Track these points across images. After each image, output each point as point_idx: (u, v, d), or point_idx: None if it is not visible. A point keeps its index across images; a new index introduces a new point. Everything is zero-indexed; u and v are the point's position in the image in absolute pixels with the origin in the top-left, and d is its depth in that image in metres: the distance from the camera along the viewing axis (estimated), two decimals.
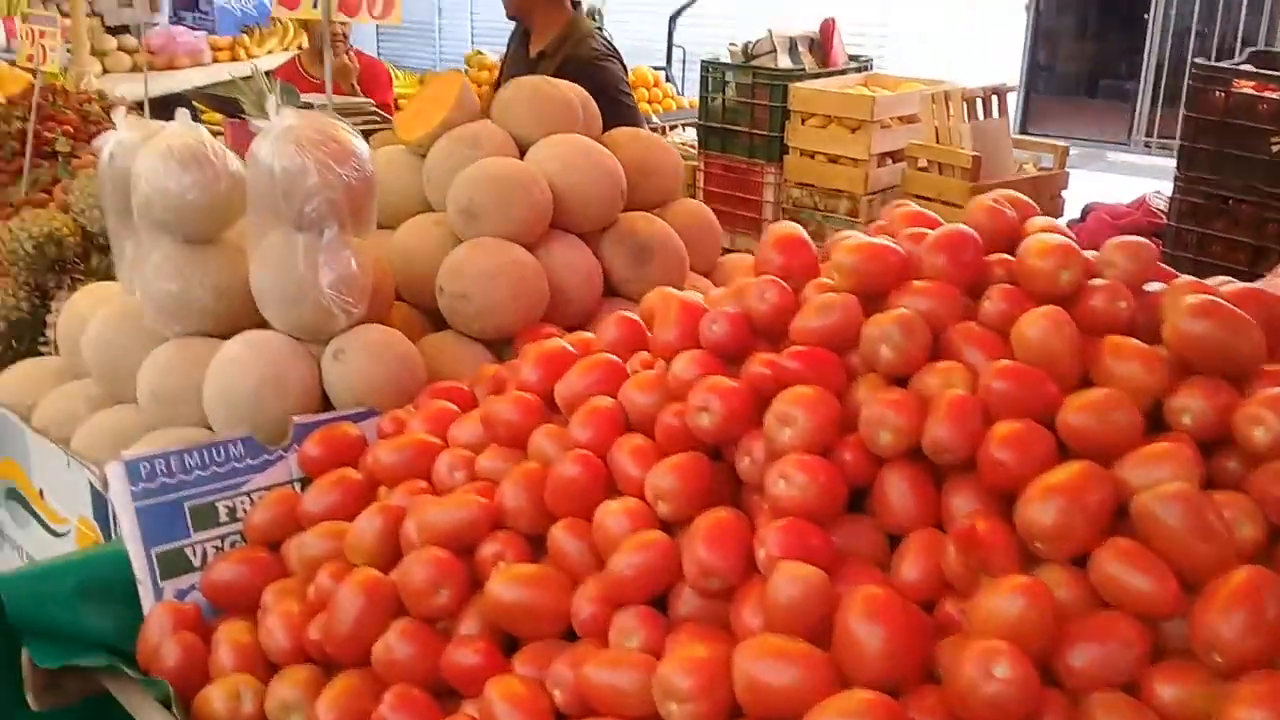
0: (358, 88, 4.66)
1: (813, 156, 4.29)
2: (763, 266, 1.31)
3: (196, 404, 1.65)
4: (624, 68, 3.76)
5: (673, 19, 6.10)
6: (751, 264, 2.22)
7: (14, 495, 1.95)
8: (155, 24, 9.14)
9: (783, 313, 1.23)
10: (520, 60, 3.87)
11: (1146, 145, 9.22)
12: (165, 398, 1.66)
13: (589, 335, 1.50)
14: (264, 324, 1.76)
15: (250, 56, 6.43)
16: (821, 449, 1.08)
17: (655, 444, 1.22)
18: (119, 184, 1.81)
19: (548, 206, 1.86)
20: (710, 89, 4.52)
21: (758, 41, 4.35)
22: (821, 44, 4.48)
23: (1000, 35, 9.92)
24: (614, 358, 1.34)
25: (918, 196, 4.10)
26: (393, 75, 5.39)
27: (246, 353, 1.58)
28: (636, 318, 1.44)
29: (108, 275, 2.28)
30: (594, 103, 2.13)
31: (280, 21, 6.58)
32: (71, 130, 3.04)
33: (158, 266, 1.71)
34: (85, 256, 2.33)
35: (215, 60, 6.42)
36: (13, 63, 5.11)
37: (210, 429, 1.66)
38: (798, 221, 4.23)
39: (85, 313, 1.91)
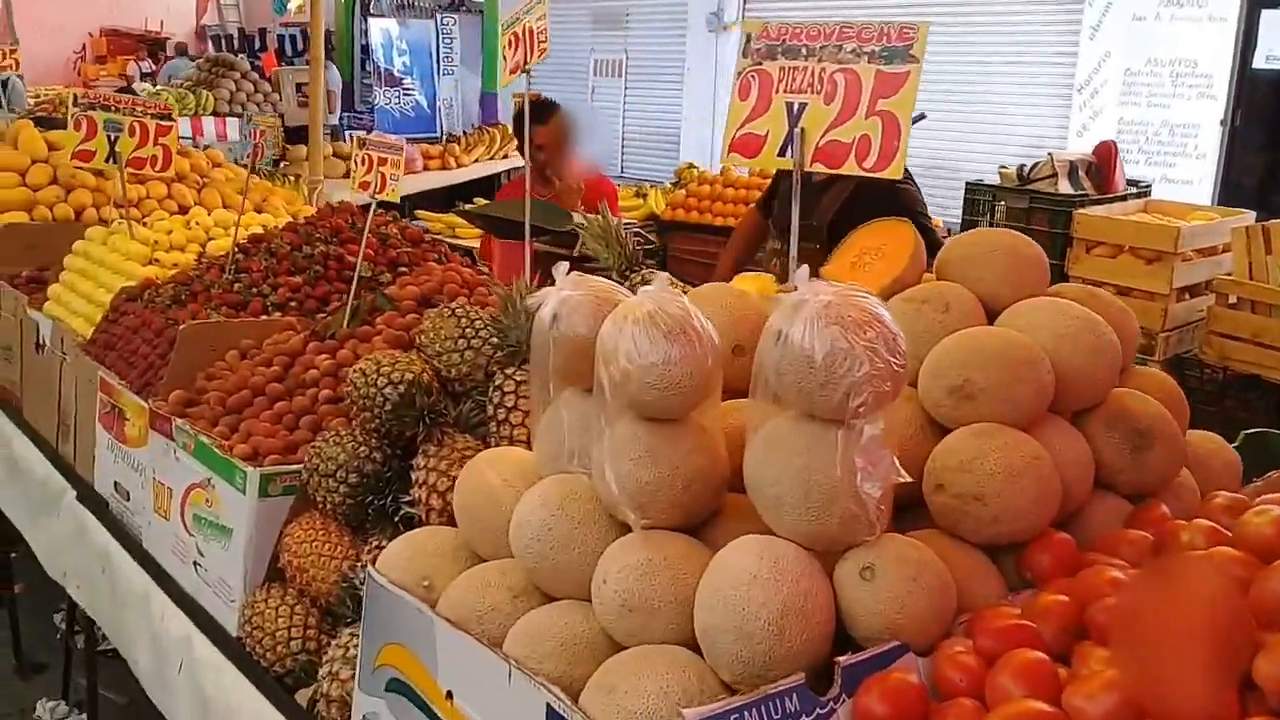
0: (581, 208, 4.53)
1: (1099, 287, 3.96)
2: None
3: (677, 617, 1.40)
4: (919, 190, 3.53)
5: None
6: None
7: (400, 688, 1.70)
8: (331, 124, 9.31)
9: None
10: (802, 184, 3.67)
11: None
12: (641, 608, 1.40)
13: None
14: (715, 519, 1.52)
15: (460, 165, 6.42)
16: None
17: None
18: (564, 347, 1.60)
19: (1051, 387, 1.59)
20: (976, 211, 4.26)
21: (1036, 165, 4.09)
22: (1100, 168, 4.19)
23: (1188, 150, 9.54)
24: None
25: (1228, 336, 3.74)
26: (617, 190, 5.29)
27: (764, 570, 1.31)
28: None
29: (469, 427, 2.08)
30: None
31: (487, 129, 6.57)
32: (371, 254, 2.90)
33: (622, 449, 1.47)
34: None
35: (426, 168, 6.43)
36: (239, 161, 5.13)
37: (689, 647, 1.39)
38: None
39: (496, 486, 1.69)
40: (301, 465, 2.13)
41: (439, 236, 4.99)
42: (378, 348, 2.39)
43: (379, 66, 14.72)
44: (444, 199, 6.12)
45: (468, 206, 5.37)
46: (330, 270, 2.86)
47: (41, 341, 3.14)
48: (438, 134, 14.20)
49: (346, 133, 11.99)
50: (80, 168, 3.70)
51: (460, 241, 4.88)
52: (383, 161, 2.45)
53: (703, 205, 5.55)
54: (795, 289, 1.91)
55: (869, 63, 1.56)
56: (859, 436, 1.32)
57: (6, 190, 4.06)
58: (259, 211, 3.96)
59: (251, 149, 2.87)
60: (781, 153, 1.64)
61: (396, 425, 2.04)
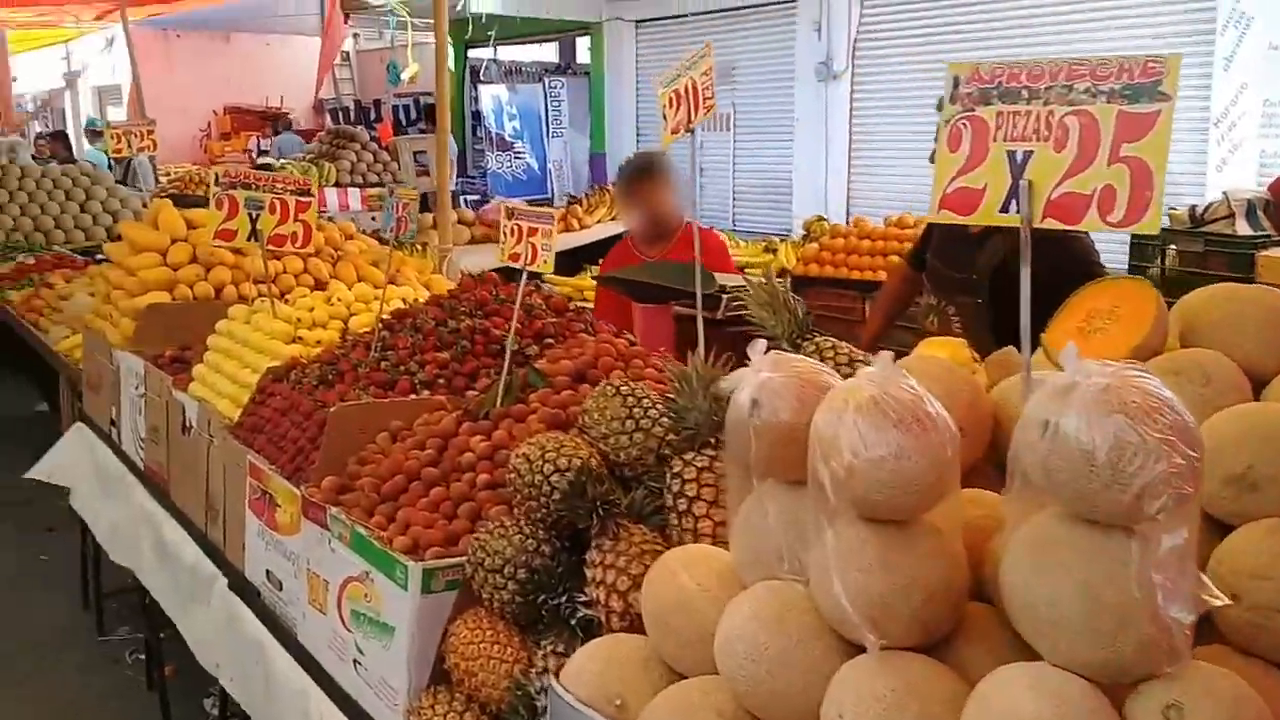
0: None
1: None
2: None
3: None
4: (1089, 238, 3.29)
5: None
6: None
7: None
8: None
9: None
10: (957, 235, 3.45)
11: None
12: None
13: None
14: (955, 636, 1.31)
15: (583, 226, 6.34)
16: None
17: None
18: (767, 436, 1.42)
19: None
20: (1144, 256, 3.97)
21: (1211, 205, 3.79)
22: (1276, 206, 3.86)
23: None
24: None
25: None
26: (726, 242, 5.13)
27: (1046, 709, 1.10)
28: None
29: (642, 517, 1.92)
30: None
31: (606, 190, 6.50)
32: (518, 327, 2.78)
33: (848, 556, 1.29)
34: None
35: None
36: (372, 233, 5.12)
37: None
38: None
39: (691, 592, 1.52)
40: (465, 559, 2.00)
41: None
42: (534, 428, 2.26)
43: (490, 131, 14.99)
44: (567, 262, 6.05)
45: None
46: (477, 345, 2.75)
47: (188, 423, 3.10)
48: (549, 195, 14.31)
49: (461, 198, 12.17)
50: (221, 246, 3.70)
51: (589, 305, 4.78)
52: (533, 232, 2.33)
53: (836, 259, 5.35)
54: (1026, 366, 1.70)
55: (1108, 102, 1.37)
56: (1156, 547, 1.11)
57: (149, 270, 4.11)
58: (393, 283, 3.92)
59: (395, 222, 2.80)
60: (1004, 208, 1.45)
61: (567, 516, 1.89)
